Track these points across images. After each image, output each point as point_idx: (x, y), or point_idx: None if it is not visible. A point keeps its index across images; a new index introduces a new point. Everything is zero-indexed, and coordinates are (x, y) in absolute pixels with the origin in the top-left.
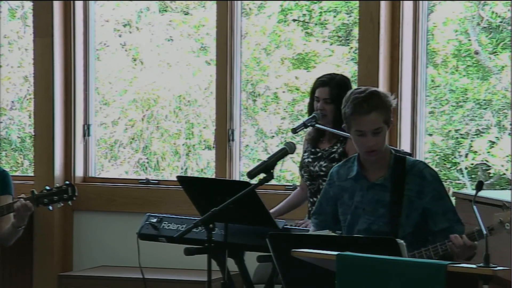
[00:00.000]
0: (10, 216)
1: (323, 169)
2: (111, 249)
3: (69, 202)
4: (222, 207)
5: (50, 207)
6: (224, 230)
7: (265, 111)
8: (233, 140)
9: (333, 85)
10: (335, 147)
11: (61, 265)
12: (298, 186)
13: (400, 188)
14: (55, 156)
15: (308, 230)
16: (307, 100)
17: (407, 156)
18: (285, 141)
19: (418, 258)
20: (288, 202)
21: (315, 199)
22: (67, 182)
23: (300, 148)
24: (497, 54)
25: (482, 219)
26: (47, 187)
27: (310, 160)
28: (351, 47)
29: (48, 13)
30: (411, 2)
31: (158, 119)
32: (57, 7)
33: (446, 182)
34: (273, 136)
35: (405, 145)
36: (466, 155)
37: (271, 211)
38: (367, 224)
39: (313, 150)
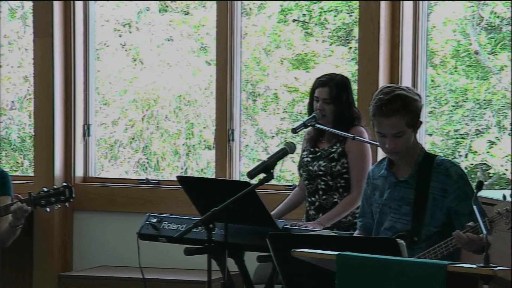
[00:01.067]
0: (7, 216)
1: (322, 168)
2: (111, 249)
3: (66, 204)
4: (222, 207)
5: (48, 209)
6: (224, 230)
7: (265, 111)
8: (233, 140)
9: (332, 85)
10: (335, 147)
11: (61, 265)
12: (297, 186)
13: (425, 186)
14: (55, 156)
15: (309, 230)
16: (306, 100)
17: (438, 155)
18: (285, 141)
19: (429, 257)
20: (287, 203)
21: (313, 199)
22: (64, 184)
23: (300, 148)
24: (496, 54)
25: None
26: (45, 189)
27: (309, 159)
28: (351, 47)
29: (48, 13)
30: (411, 2)
31: (158, 119)
32: (57, 7)
33: None
34: (273, 136)
35: None
36: (466, 155)
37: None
38: (392, 222)
39: (312, 149)
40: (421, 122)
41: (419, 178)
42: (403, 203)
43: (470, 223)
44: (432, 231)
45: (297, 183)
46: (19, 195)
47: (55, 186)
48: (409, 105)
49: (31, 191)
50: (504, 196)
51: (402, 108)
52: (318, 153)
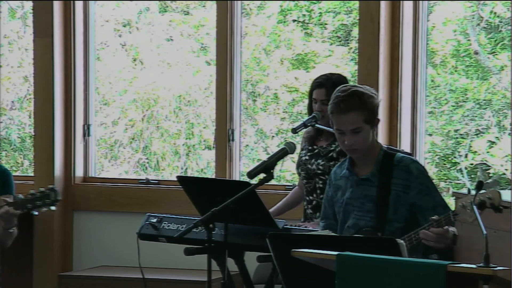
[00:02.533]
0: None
1: (320, 167)
2: (111, 249)
3: (52, 207)
4: (222, 207)
5: (36, 212)
6: (224, 230)
7: (265, 111)
8: (233, 140)
9: (329, 85)
10: (333, 145)
11: (61, 265)
12: (297, 185)
13: (386, 183)
14: (55, 156)
15: (309, 230)
16: (307, 100)
17: (397, 153)
18: (285, 141)
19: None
20: (286, 201)
21: (311, 197)
22: (50, 186)
23: (300, 148)
24: (496, 54)
25: (482, 218)
26: (32, 191)
27: (307, 158)
28: (351, 47)
29: (48, 13)
30: (411, 2)
31: (158, 119)
32: (57, 7)
33: (446, 182)
34: (273, 136)
35: (405, 145)
36: (466, 155)
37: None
38: (355, 219)
39: (310, 148)
40: (378, 120)
41: (380, 175)
42: (366, 201)
43: (434, 217)
44: (395, 227)
45: (297, 183)
46: (7, 199)
47: (41, 189)
48: (366, 102)
49: (18, 194)
50: (469, 190)
51: (359, 104)
52: (316, 151)
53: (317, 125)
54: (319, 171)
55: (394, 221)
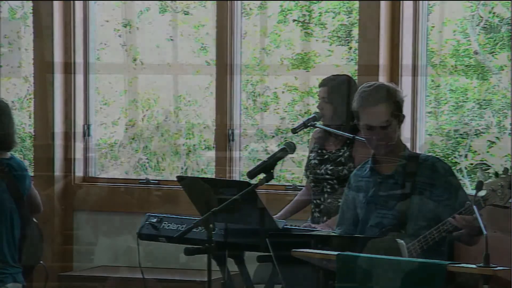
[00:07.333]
0: None
1: (329, 172)
2: (111, 249)
3: None
4: (222, 207)
5: None
6: (224, 230)
7: (265, 111)
8: (233, 140)
9: (330, 85)
10: (342, 150)
11: (61, 265)
12: (298, 186)
13: (411, 181)
14: (55, 156)
15: (309, 230)
16: (306, 100)
17: (421, 153)
18: (285, 141)
19: (419, 246)
20: (293, 203)
21: (318, 201)
22: None
23: (300, 148)
24: (496, 54)
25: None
26: None
27: (316, 162)
28: (351, 47)
29: (48, 13)
30: (411, 2)
31: (158, 119)
32: (57, 7)
33: None
34: (273, 136)
35: None
36: (466, 155)
37: (278, 214)
38: (379, 218)
39: (319, 151)
40: (404, 116)
41: (405, 173)
42: (389, 199)
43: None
44: (419, 225)
45: (297, 183)
46: None
47: None
48: (393, 95)
49: None
50: (496, 173)
51: (386, 97)
52: (326, 156)
53: (317, 125)
54: (327, 176)
55: (417, 220)
